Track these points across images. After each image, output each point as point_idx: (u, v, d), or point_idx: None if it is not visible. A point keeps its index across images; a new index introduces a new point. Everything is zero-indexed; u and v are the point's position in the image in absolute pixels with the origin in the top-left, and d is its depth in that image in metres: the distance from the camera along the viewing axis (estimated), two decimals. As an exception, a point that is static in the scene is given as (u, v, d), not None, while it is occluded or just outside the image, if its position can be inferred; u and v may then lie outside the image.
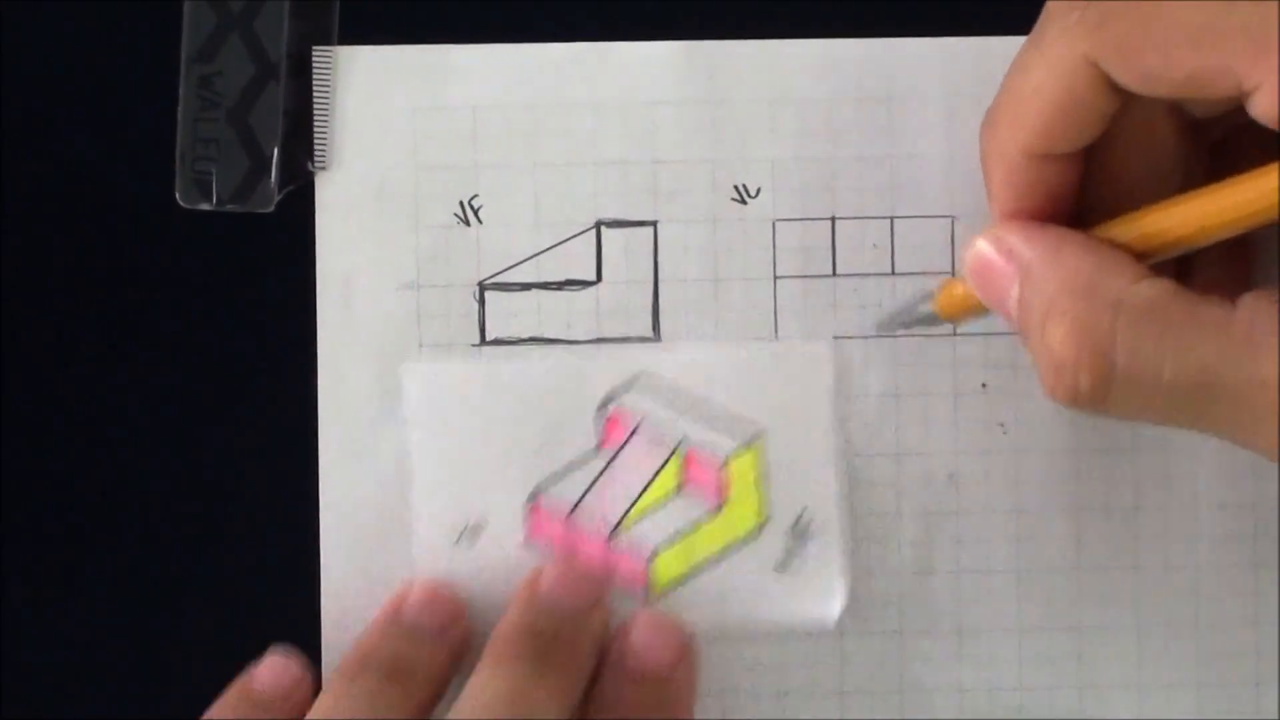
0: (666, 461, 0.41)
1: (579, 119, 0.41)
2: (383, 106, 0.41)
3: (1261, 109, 0.31)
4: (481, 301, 0.41)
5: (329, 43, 0.41)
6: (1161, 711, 0.41)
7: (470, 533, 0.41)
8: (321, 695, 0.39)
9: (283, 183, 0.41)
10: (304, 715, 0.39)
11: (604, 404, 0.41)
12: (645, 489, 0.41)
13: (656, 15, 0.41)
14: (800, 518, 0.41)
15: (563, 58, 0.41)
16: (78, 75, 0.41)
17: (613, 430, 0.41)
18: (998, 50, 0.41)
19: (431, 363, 0.41)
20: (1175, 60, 0.32)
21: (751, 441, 0.41)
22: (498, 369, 0.41)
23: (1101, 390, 0.32)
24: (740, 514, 0.41)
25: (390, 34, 0.41)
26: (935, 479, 0.41)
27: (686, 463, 0.41)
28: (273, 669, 0.40)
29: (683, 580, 0.41)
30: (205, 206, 0.41)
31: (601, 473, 0.41)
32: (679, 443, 0.41)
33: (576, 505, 0.41)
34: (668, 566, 0.41)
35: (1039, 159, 0.35)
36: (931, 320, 0.39)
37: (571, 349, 0.41)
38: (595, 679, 0.39)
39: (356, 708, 0.38)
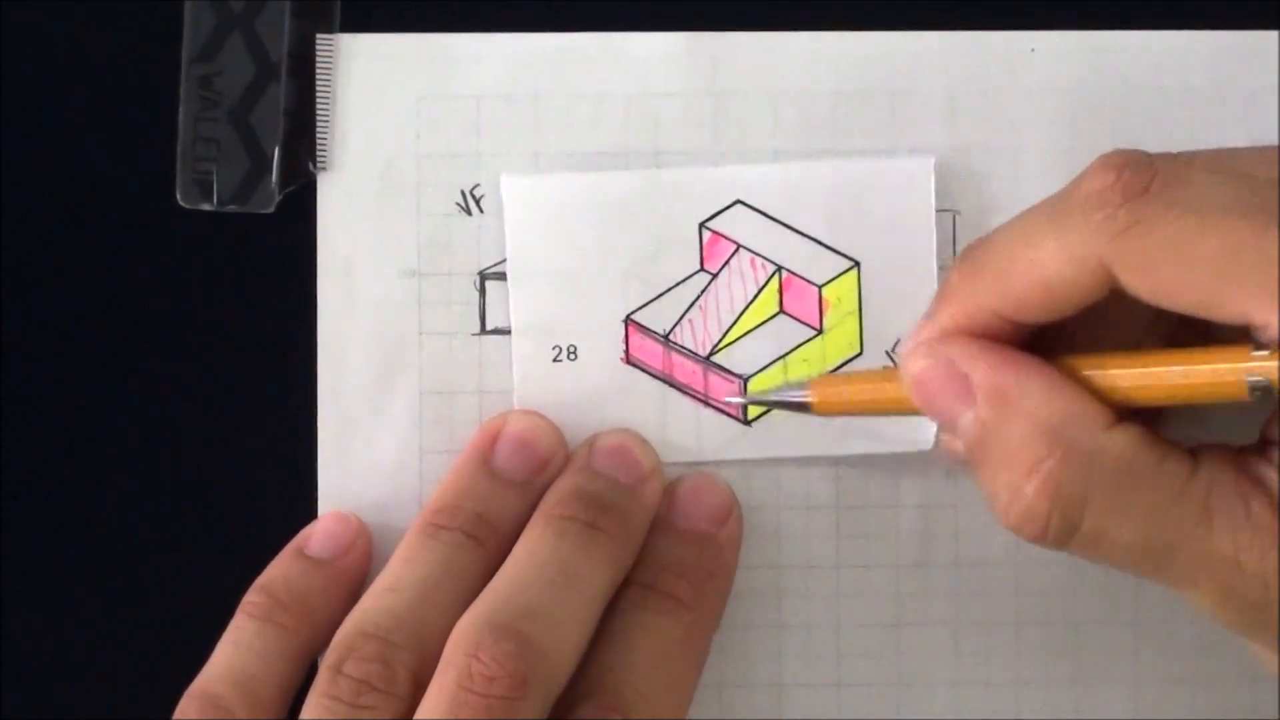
0: (765, 284, 0.41)
1: (581, 109, 0.41)
2: (385, 95, 0.41)
3: (1265, 337, 0.31)
4: (482, 291, 0.41)
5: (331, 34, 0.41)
6: (1158, 708, 0.41)
7: (569, 351, 0.41)
8: (400, 547, 0.39)
9: (283, 183, 0.41)
10: (366, 568, 0.40)
11: (704, 224, 0.41)
12: (744, 311, 0.41)
13: (659, 6, 0.41)
14: (898, 343, 0.41)
15: (566, 48, 0.41)
16: (78, 75, 0.41)
17: (713, 251, 0.41)
18: (999, 45, 0.41)
19: (533, 175, 0.41)
20: (1192, 284, 0.31)
21: (849, 267, 0.41)
22: (599, 186, 0.41)
23: (1064, 539, 0.33)
24: (838, 339, 0.41)
25: (393, 24, 0.41)
26: (933, 472, 0.41)
27: (784, 286, 0.41)
28: (328, 526, 0.40)
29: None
30: (206, 207, 0.41)
31: (702, 292, 0.41)
32: (778, 266, 0.41)
33: (676, 324, 0.41)
34: (765, 388, 0.41)
35: (1003, 319, 0.34)
36: (801, 409, 0.38)
37: (674, 169, 0.41)
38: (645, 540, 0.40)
39: (432, 562, 0.38)
